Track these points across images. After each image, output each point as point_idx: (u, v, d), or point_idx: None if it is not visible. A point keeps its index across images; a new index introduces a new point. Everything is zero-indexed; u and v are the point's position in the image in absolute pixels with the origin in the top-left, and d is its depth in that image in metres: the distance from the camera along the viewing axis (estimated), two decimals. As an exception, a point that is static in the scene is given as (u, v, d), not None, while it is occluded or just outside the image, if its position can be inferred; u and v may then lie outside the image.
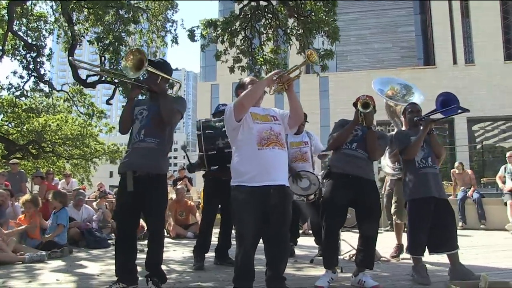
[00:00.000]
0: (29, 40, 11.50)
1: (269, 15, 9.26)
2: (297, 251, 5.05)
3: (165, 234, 4.90)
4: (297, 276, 3.81)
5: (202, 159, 4.16)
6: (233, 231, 3.47)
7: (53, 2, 11.63)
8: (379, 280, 3.41)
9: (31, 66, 11.66)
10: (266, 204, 2.67)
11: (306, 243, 5.60)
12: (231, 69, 9.38)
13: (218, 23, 9.11)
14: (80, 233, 6.23)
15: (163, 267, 3.32)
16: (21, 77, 12.21)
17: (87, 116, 15.58)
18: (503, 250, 5.33)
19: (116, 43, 10.19)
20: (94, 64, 11.39)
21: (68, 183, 10.30)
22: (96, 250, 5.72)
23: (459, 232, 4.06)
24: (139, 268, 3.18)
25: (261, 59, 9.56)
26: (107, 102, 13.01)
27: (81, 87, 13.30)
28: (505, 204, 7.58)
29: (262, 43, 9.65)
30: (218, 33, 9.04)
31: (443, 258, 3.73)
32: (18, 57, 11.62)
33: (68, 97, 14.46)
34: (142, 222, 4.60)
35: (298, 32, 9.02)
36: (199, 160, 4.30)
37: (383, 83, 5.20)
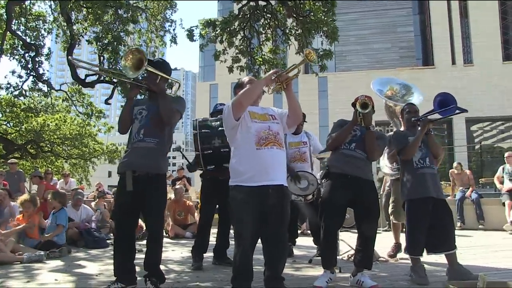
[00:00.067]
0: (28, 40, 11.48)
1: (268, 15, 9.27)
2: (296, 251, 5.06)
3: (164, 234, 4.89)
4: (295, 276, 3.81)
5: (198, 158, 4.15)
6: (232, 231, 3.48)
7: (52, 1, 11.63)
8: (377, 280, 3.42)
9: (29, 66, 11.65)
10: (265, 204, 2.67)
11: (305, 243, 5.60)
12: (230, 69, 9.39)
13: (217, 23, 9.10)
14: (78, 233, 6.22)
15: (162, 267, 3.32)
16: (20, 76, 12.20)
17: (85, 116, 15.57)
18: (501, 250, 5.34)
19: (115, 43, 10.18)
20: (93, 63, 11.36)
21: (67, 183, 10.29)
22: (95, 250, 5.71)
23: (457, 232, 4.07)
24: (137, 268, 3.17)
25: (260, 59, 9.57)
26: (106, 102, 13.01)
27: (80, 86, 13.28)
28: (503, 204, 7.59)
29: (261, 43, 9.66)
30: (217, 33, 9.04)
31: (441, 258, 3.74)
32: (16, 57, 11.60)
33: (67, 97, 14.44)
34: (140, 222, 4.59)
35: (297, 32, 9.03)
36: (196, 160, 4.29)
37: (382, 84, 5.20)
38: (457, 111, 3.71)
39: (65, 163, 21.64)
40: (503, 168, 8.06)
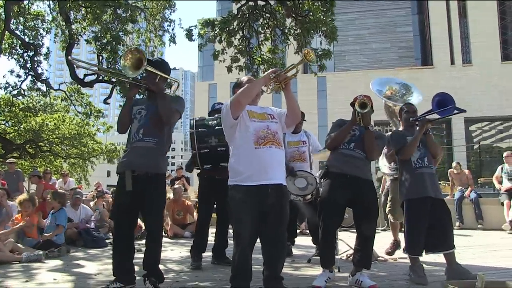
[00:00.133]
0: (26, 39, 11.47)
1: (267, 14, 9.27)
2: (295, 251, 5.06)
3: (163, 233, 4.89)
4: (294, 275, 3.81)
5: (195, 157, 4.14)
6: (231, 231, 3.48)
7: (51, 1, 11.62)
8: (376, 279, 3.42)
9: (28, 65, 11.64)
10: (264, 203, 2.67)
11: (304, 242, 5.60)
12: (229, 69, 9.39)
13: (216, 22, 9.10)
14: (77, 232, 6.22)
15: (161, 266, 3.32)
16: (18, 76, 12.21)
17: (84, 116, 15.57)
18: (500, 250, 5.35)
19: (114, 42, 10.17)
20: (92, 63, 11.36)
21: (66, 183, 10.27)
22: (94, 250, 5.70)
23: (456, 232, 4.08)
24: (136, 268, 3.17)
25: (259, 59, 9.57)
26: (105, 102, 12.98)
27: (79, 86, 13.27)
28: (502, 204, 7.60)
29: (260, 42, 9.66)
30: (215, 32, 9.04)
31: (440, 257, 3.74)
32: (15, 56, 11.60)
33: (66, 96, 14.45)
34: (139, 221, 4.59)
35: (296, 32, 9.02)
36: (192, 159, 4.28)
37: (381, 84, 5.19)
38: (456, 112, 3.72)
39: (64, 162, 21.62)
40: (502, 168, 8.07)
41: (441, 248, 3.51)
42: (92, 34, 11.12)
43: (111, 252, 3.21)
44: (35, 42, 11.64)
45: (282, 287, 2.76)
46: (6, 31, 10.22)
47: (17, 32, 11.36)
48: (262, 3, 9.08)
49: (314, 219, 3.86)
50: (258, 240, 2.79)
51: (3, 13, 10.44)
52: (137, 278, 3.14)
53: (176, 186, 8.16)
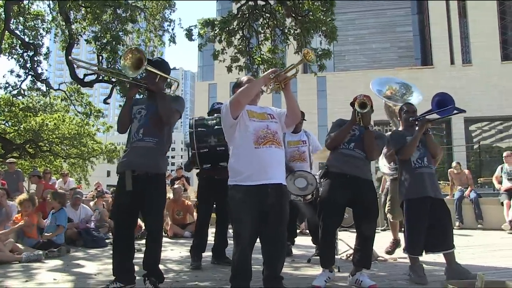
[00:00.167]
0: (26, 39, 11.48)
1: (266, 14, 9.27)
2: (295, 251, 5.06)
3: (163, 233, 4.89)
4: (294, 275, 3.81)
5: (194, 157, 4.13)
6: (230, 231, 3.48)
7: (51, 0, 11.62)
8: (376, 279, 3.42)
9: (28, 65, 11.65)
10: (263, 203, 2.67)
11: (303, 242, 5.60)
12: (229, 69, 9.39)
13: (215, 22, 9.10)
14: (77, 232, 6.22)
15: (161, 266, 3.32)
16: (18, 76, 12.21)
17: (84, 115, 15.57)
18: (500, 250, 5.35)
19: (114, 42, 10.18)
20: (92, 63, 11.35)
21: (65, 182, 10.27)
22: (94, 250, 5.70)
23: (456, 232, 4.08)
24: (136, 268, 3.17)
25: (259, 59, 9.57)
26: (105, 101, 12.98)
27: (79, 86, 13.27)
28: (502, 204, 7.60)
29: (259, 42, 9.66)
30: (215, 32, 9.04)
31: (439, 257, 3.74)
32: (15, 56, 11.60)
33: (66, 96, 14.45)
34: (139, 221, 4.59)
35: (295, 32, 9.03)
36: (191, 159, 4.27)
37: (381, 84, 5.19)
38: (455, 112, 3.72)
39: (64, 162, 21.64)
40: (502, 168, 8.07)
41: (440, 248, 3.51)
42: (92, 34, 11.13)
43: (111, 252, 3.21)
44: (35, 42, 11.65)
45: (282, 287, 2.75)
46: (6, 31, 10.22)
47: (17, 32, 11.37)
48: (262, 3, 9.08)
49: (314, 219, 3.86)
50: (258, 240, 2.79)
51: (3, 13, 10.44)
52: (137, 278, 3.14)
53: (176, 186, 8.16)
